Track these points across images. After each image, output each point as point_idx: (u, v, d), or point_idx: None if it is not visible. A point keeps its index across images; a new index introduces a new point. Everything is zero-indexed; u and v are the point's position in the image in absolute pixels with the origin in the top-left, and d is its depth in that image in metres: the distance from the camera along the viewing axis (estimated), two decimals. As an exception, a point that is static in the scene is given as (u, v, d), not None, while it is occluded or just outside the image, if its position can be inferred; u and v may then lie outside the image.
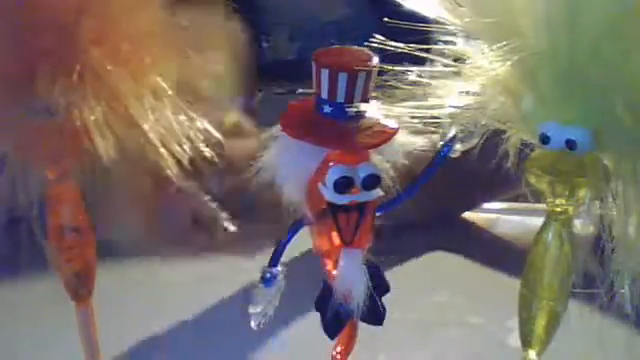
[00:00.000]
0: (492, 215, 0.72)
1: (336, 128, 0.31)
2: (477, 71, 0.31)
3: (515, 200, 0.71)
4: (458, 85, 0.31)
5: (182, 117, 0.33)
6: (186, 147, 0.32)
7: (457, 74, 0.31)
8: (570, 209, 0.31)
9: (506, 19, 0.30)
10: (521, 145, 0.33)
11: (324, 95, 0.31)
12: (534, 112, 0.30)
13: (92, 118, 0.31)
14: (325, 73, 0.31)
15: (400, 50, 0.31)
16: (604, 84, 0.28)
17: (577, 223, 0.32)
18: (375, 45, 0.31)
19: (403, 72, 0.31)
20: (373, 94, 0.32)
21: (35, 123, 0.33)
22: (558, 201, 0.31)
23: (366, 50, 0.32)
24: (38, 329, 0.53)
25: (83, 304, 0.39)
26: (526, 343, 0.33)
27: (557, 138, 0.30)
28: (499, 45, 0.29)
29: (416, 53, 0.31)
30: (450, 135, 0.32)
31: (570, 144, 0.30)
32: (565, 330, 0.33)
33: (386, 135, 0.32)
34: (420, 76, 0.31)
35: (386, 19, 0.32)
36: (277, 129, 0.32)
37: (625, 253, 0.30)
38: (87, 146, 0.32)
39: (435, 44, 0.32)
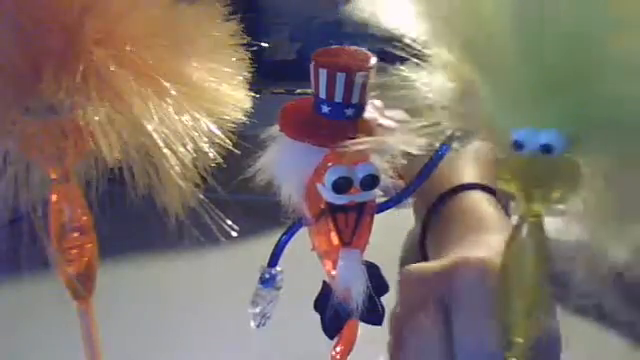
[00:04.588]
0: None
1: (334, 128, 0.31)
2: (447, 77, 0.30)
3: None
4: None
5: (186, 117, 0.33)
6: (190, 147, 0.32)
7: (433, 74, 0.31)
8: (542, 211, 0.30)
9: (475, 23, 0.29)
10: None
11: (322, 95, 0.31)
12: (506, 118, 0.29)
13: (96, 118, 0.31)
14: (323, 73, 0.31)
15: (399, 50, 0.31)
16: (577, 85, 0.27)
17: (550, 225, 0.31)
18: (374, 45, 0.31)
19: (402, 72, 0.31)
20: (372, 94, 0.32)
21: (38, 123, 0.33)
22: (531, 205, 0.30)
23: (365, 50, 0.32)
24: (39, 329, 0.53)
25: (84, 304, 0.39)
26: (506, 348, 0.33)
27: (531, 143, 0.29)
28: (468, 51, 0.29)
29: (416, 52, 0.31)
30: (448, 134, 0.32)
31: (546, 148, 0.29)
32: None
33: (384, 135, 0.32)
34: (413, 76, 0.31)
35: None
36: (276, 129, 0.32)
37: (598, 256, 0.29)
38: (90, 146, 0.32)
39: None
